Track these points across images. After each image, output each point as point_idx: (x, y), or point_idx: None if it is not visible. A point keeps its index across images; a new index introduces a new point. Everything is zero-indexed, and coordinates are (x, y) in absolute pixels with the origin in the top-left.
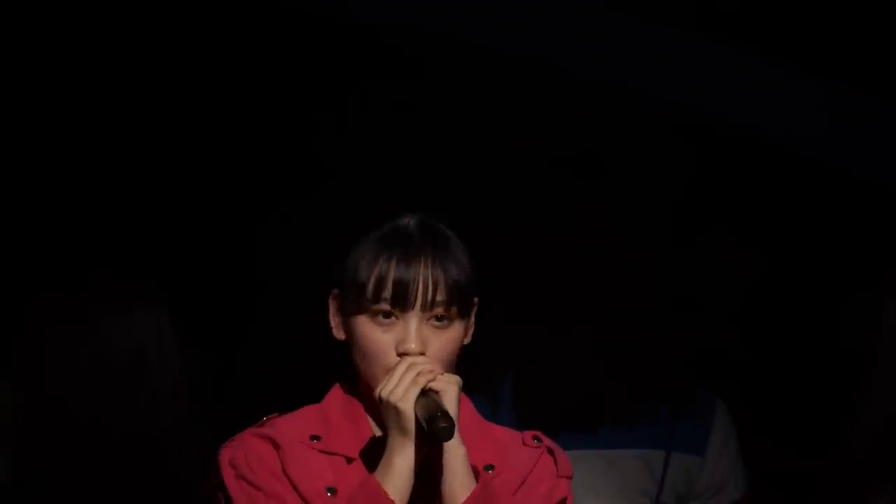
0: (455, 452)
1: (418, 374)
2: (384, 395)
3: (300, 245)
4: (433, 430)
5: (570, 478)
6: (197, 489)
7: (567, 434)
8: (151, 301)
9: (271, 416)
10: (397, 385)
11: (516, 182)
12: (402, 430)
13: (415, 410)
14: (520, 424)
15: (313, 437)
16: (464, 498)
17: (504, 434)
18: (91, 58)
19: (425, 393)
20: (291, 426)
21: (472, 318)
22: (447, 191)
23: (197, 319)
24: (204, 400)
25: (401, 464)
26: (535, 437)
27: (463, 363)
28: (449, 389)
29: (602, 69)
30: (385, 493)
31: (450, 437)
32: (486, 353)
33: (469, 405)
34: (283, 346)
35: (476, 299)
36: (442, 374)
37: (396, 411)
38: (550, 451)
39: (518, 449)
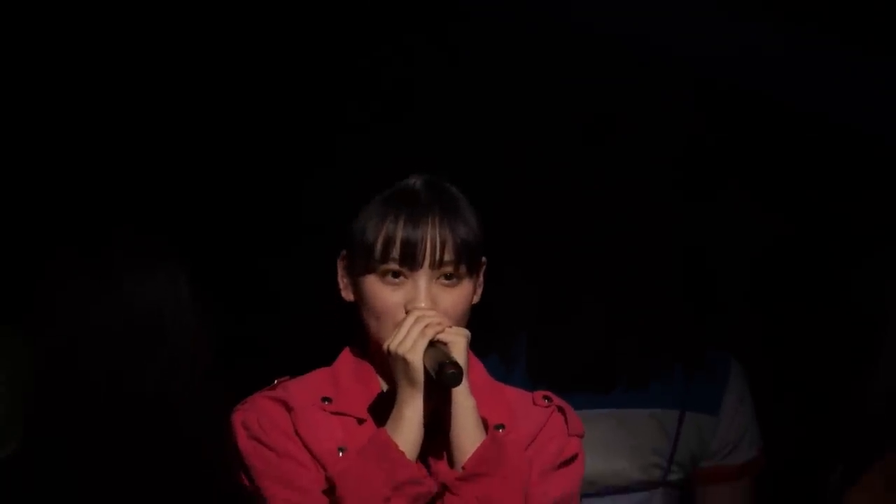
0: (464, 404)
1: (426, 325)
2: (393, 347)
3: (317, 206)
4: (441, 377)
5: (580, 436)
6: (209, 448)
7: (580, 394)
8: (171, 259)
9: (282, 379)
10: (406, 337)
11: (529, 143)
12: (411, 382)
13: (423, 362)
14: (533, 385)
15: (324, 399)
16: (473, 449)
17: (514, 394)
18: (120, 14)
19: (434, 344)
20: (303, 389)
21: (481, 278)
22: (461, 153)
23: (214, 279)
24: (219, 360)
25: (410, 416)
26: (545, 397)
27: (476, 324)
28: (457, 341)
29: (616, 25)
30: (394, 445)
31: (458, 382)
32: (500, 314)
33: (479, 366)
34: (298, 309)
35: (484, 259)
36: (450, 326)
37: (405, 363)
38: (561, 410)
39: (528, 408)
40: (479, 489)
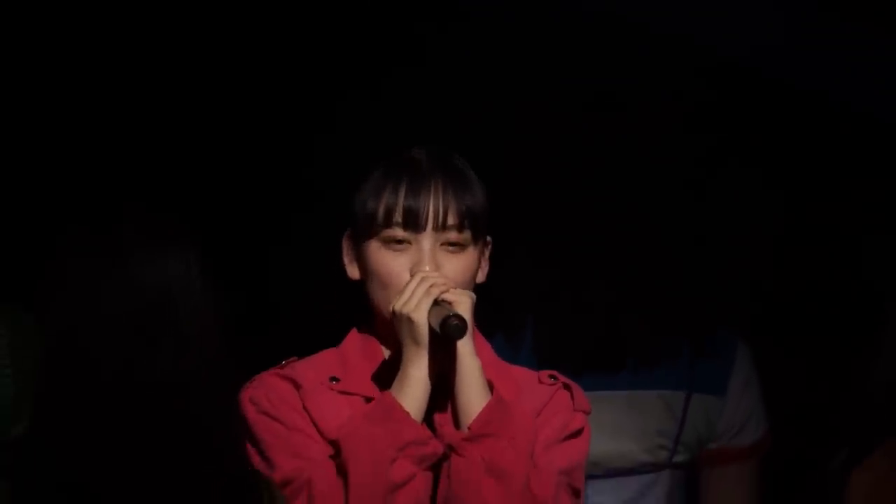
0: (470, 364)
1: (431, 285)
2: (398, 307)
3: (329, 185)
4: (445, 328)
5: (587, 412)
6: (219, 430)
7: (588, 375)
8: (181, 238)
9: (290, 359)
10: (410, 297)
11: (535, 122)
12: (416, 342)
13: (428, 321)
14: (540, 366)
15: (332, 379)
16: (479, 409)
17: (521, 373)
18: None
19: (438, 304)
20: (311, 368)
21: (486, 256)
22: (465, 131)
23: (224, 260)
24: (229, 341)
25: (415, 376)
26: (550, 376)
27: (483, 306)
28: (462, 300)
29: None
30: (399, 406)
31: (462, 334)
32: (507, 295)
33: (487, 345)
34: (307, 290)
35: (490, 239)
36: (455, 287)
37: (410, 322)
38: (567, 387)
39: (534, 386)
40: (485, 450)
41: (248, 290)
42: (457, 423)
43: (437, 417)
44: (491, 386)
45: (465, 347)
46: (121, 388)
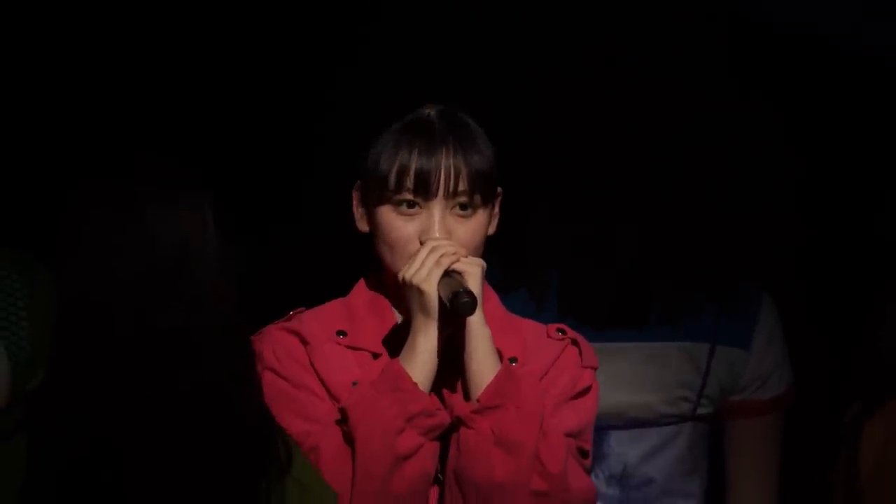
0: (480, 333)
1: (442, 255)
2: (408, 276)
3: (340, 138)
4: (455, 305)
5: (594, 368)
6: (233, 381)
7: (611, 329)
8: (195, 188)
9: (298, 309)
10: (421, 266)
11: (561, 78)
12: (426, 311)
13: (438, 291)
14: (562, 320)
15: (339, 333)
16: (489, 379)
17: (529, 327)
18: None
19: (449, 274)
20: (318, 321)
21: (496, 209)
22: (490, 86)
23: (238, 211)
24: (243, 294)
25: (424, 346)
26: (559, 330)
27: (506, 260)
28: (473, 271)
29: None
30: (408, 376)
31: (471, 311)
32: (531, 249)
33: (494, 297)
34: (319, 239)
35: (500, 189)
36: (466, 256)
37: (420, 292)
38: (575, 343)
39: (541, 341)
40: (494, 422)
41: (259, 239)
42: (466, 394)
43: (446, 388)
44: (500, 356)
45: (476, 317)
46: (135, 339)
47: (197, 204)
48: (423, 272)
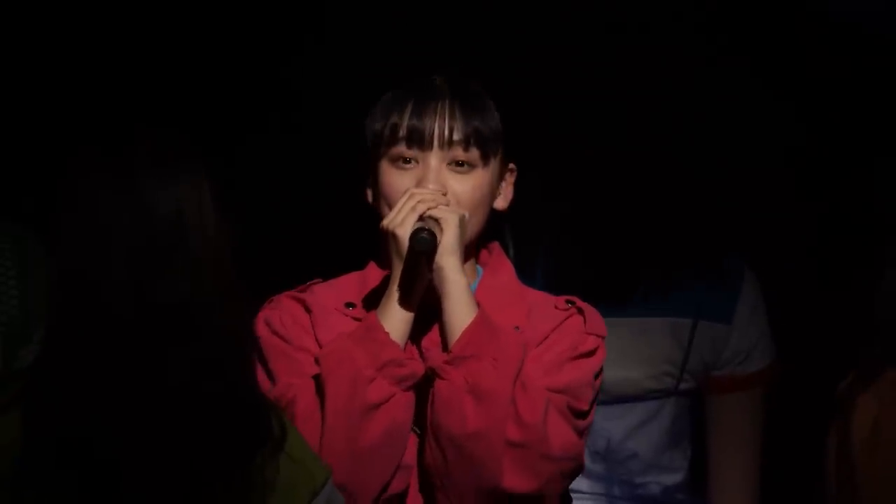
0: (454, 281)
1: (419, 201)
2: (385, 223)
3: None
4: (412, 242)
5: (601, 336)
6: (229, 355)
7: (595, 305)
8: (193, 160)
9: (314, 281)
10: (398, 213)
11: (551, 51)
12: (400, 257)
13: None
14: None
15: (348, 305)
16: (464, 326)
17: (538, 297)
18: None
19: (423, 219)
20: (330, 293)
21: (510, 182)
22: (484, 59)
23: (233, 182)
24: (240, 269)
25: (399, 294)
26: (567, 301)
27: (496, 235)
28: (449, 218)
29: None
30: (381, 327)
31: (427, 247)
32: (519, 224)
33: (508, 266)
34: (323, 215)
35: (513, 165)
36: (447, 205)
37: (395, 238)
38: (581, 312)
39: (547, 311)
40: (468, 372)
41: (262, 214)
42: (444, 344)
43: (426, 339)
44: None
45: (449, 265)
46: (132, 313)
47: (193, 174)
48: (399, 218)
